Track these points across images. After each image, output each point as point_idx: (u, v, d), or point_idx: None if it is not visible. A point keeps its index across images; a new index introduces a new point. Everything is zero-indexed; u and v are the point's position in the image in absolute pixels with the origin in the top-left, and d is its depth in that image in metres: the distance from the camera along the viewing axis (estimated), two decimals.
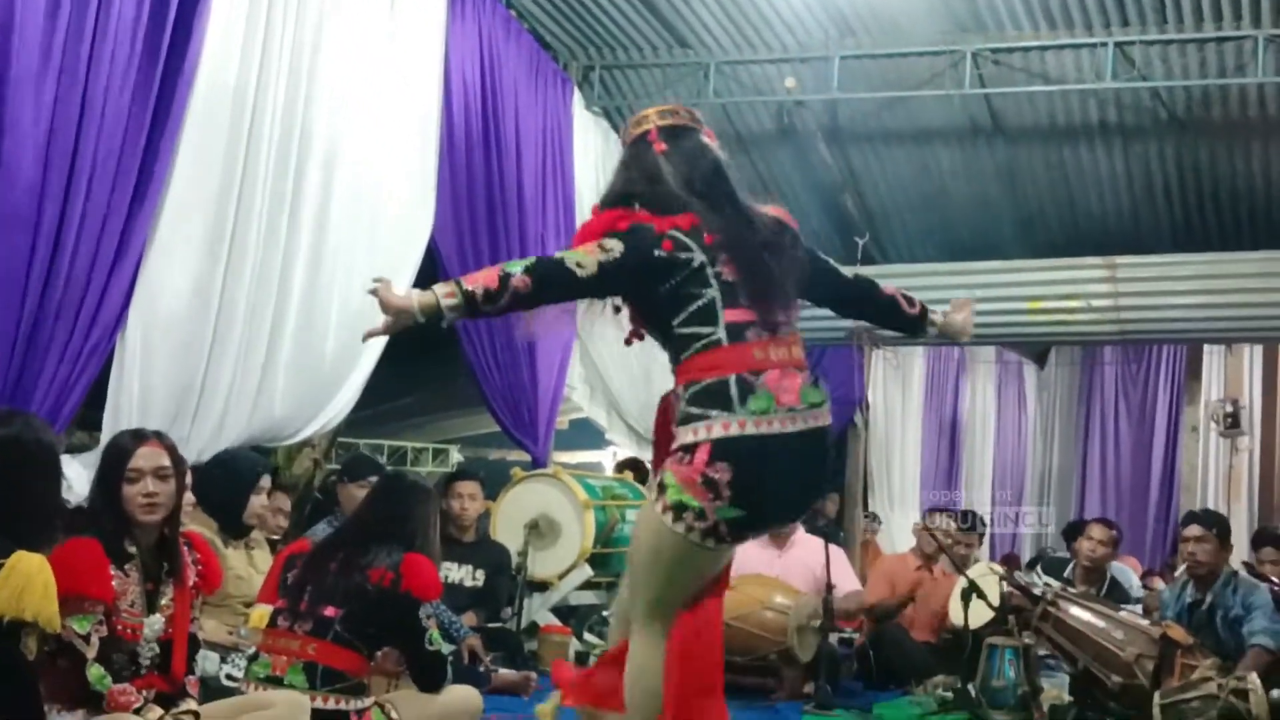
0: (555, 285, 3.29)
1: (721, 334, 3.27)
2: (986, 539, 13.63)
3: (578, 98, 9.14)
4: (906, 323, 3.84)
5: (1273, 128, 8.85)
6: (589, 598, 8.28)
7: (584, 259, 3.26)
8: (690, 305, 3.30)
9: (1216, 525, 6.54)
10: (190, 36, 5.17)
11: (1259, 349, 13.22)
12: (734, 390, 3.22)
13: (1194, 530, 6.49)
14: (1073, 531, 8.47)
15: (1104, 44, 8.33)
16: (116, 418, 4.99)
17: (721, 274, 3.31)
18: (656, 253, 3.29)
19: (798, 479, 3.28)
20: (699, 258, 3.30)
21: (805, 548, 7.01)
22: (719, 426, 3.19)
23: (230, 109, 5.51)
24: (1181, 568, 6.80)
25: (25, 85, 4.50)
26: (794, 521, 3.71)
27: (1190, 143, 9.15)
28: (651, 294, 3.35)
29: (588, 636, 7.95)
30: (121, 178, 4.89)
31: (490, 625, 6.87)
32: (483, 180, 7.65)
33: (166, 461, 3.70)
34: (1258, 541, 8.14)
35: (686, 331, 3.31)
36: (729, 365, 3.25)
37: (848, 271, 3.74)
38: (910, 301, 3.81)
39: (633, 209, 3.43)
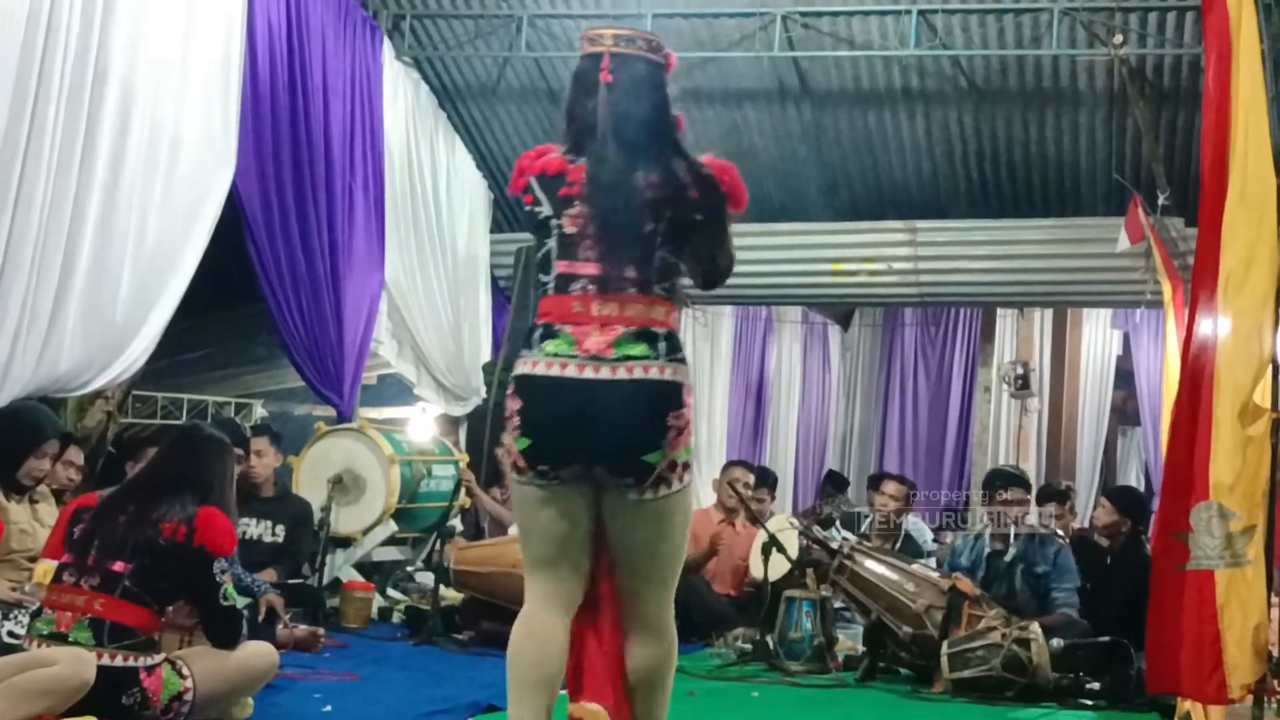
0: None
1: (552, 284, 3.37)
2: (790, 494, 13.99)
3: (388, 46, 8.96)
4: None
5: (1065, 98, 9.17)
6: (393, 553, 8.22)
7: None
8: (540, 252, 3.42)
9: (1030, 487, 6.96)
10: None
11: (1049, 313, 13.76)
12: (538, 333, 3.35)
13: (1017, 494, 6.79)
14: (875, 482, 8.71)
15: (908, 12, 8.51)
16: None
17: (563, 225, 3.35)
18: (525, 207, 3.46)
19: (590, 422, 3.24)
20: (545, 211, 3.39)
21: None
22: (521, 365, 3.37)
23: (21, 40, 5.26)
24: (985, 522, 7.08)
25: None
26: (585, 468, 3.30)
27: (988, 111, 9.43)
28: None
29: (391, 592, 7.90)
30: None
31: (292, 581, 6.76)
32: (288, 126, 7.46)
33: None
34: (1042, 497, 8.51)
35: (539, 278, 3.45)
36: (550, 313, 3.35)
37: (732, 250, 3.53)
38: None
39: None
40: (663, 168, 3.34)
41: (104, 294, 5.96)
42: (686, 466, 3.34)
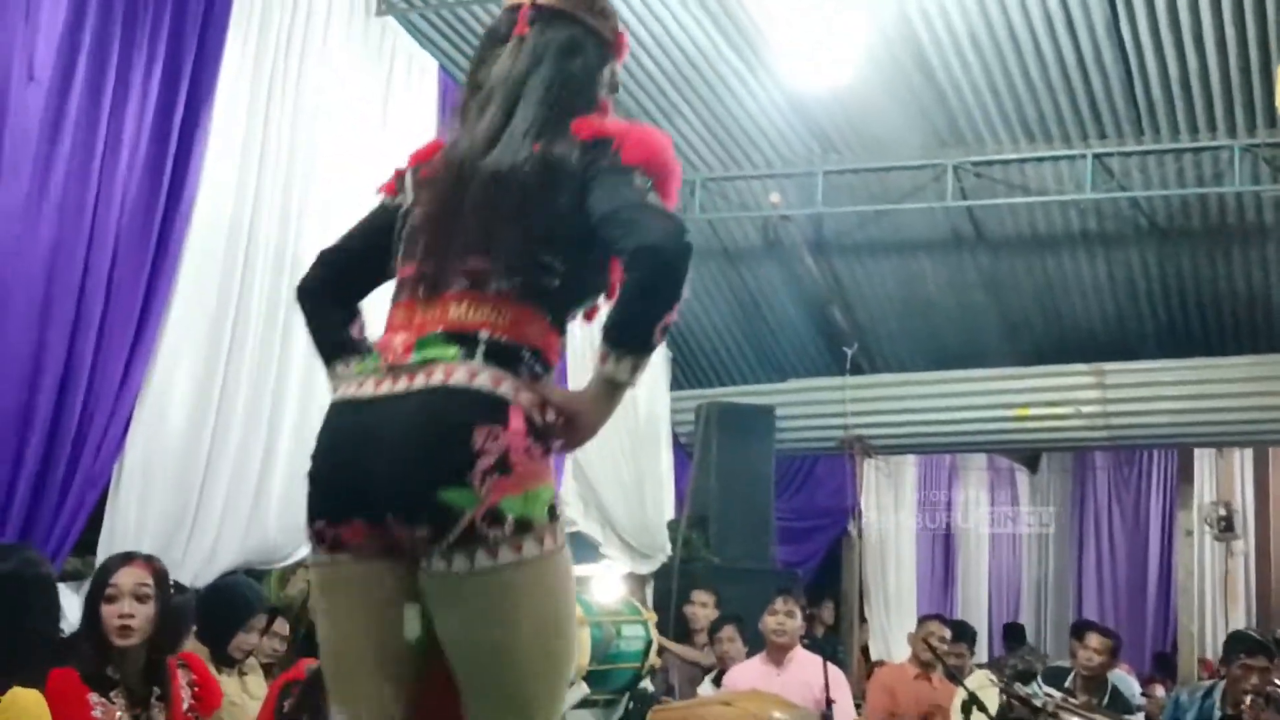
0: (309, 278, 2.73)
1: (392, 298, 2.51)
2: (985, 645, 13.58)
3: None
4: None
5: (1251, 234, 8.98)
6: (586, 716, 8.17)
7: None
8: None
9: (1276, 654, 6.48)
10: (188, 171, 5.27)
11: (1249, 452, 13.26)
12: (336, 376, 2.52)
13: (1262, 661, 6.31)
14: (1078, 632, 8.38)
15: (1083, 156, 8.49)
16: (111, 543, 4.98)
17: (411, 216, 2.53)
18: (383, 201, 2.67)
19: (368, 452, 2.25)
20: (405, 201, 2.58)
21: (803, 665, 6.96)
22: None
23: (226, 241, 5.62)
24: (1213, 682, 6.70)
25: (24, 221, 4.57)
26: (369, 522, 2.25)
27: (1171, 250, 9.28)
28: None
29: None
30: (126, 307, 4.97)
31: None
32: None
33: (149, 581, 3.61)
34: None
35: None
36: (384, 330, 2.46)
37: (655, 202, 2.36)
38: (620, 317, 2.35)
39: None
40: (549, 145, 2.41)
41: (304, 469, 6.17)
42: (528, 528, 2.21)
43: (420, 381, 2.25)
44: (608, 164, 2.35)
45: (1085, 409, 9.94)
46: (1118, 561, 15.04)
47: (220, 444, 5.57)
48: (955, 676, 7.26)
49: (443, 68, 7.45)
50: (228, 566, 5.71)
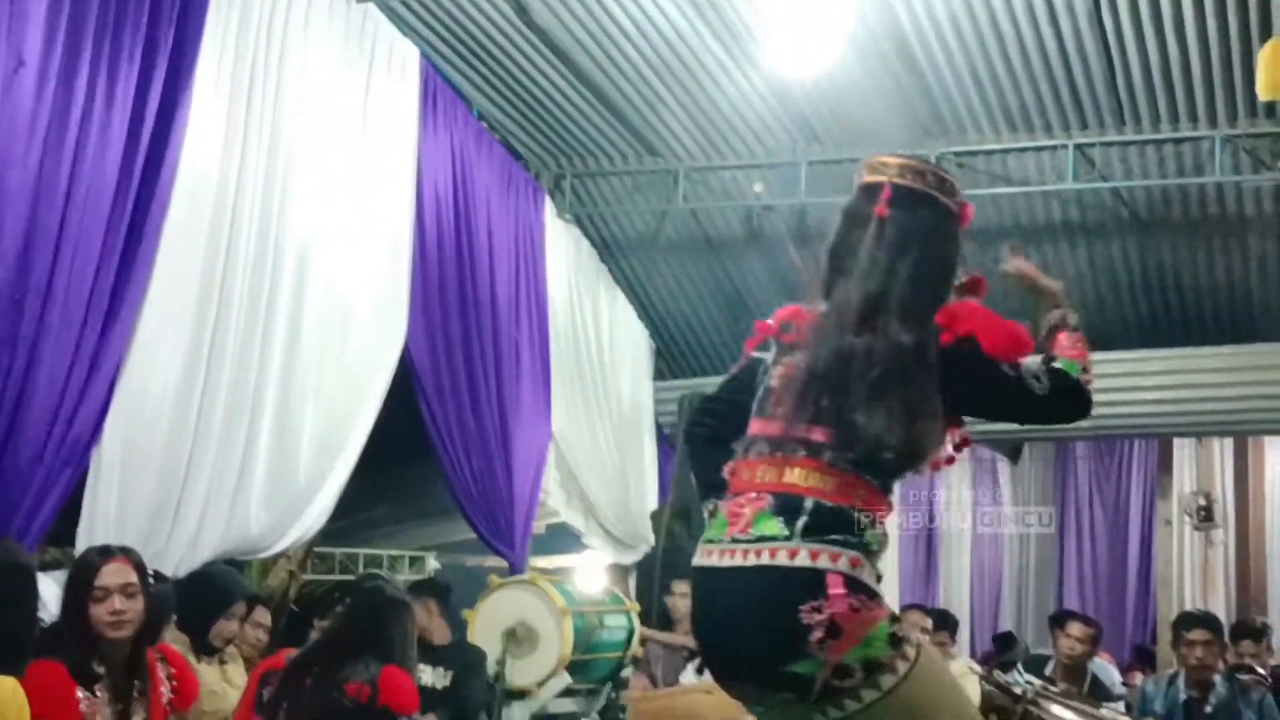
0: (700, 424, 3.12)
1: (740, 448, 2.80)
2: (967, 636, 13.61)
3: (549, 206, 9.24)
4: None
5: (1232, 224, 9.01)
6: (568, 705, 8.19)
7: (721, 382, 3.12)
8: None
9: (1220, 628, 6.61)
10: (165, 157, 5.23)
11: (1229, 442, 13.32)
12: (707, 516, 2.83)
13: (1201, 634, 6.48)
14: (1059, 622, 8.42)
15: (1064, 146, 8.51)
16: (91, 533, 4.95)
17: (770, 376, 2.81)
18: (751, 355, 2.94)
19: (712, 625, 2.67)
20: (767, 358, 2.86)
21: None
22: None
23: (208, 222, 5.57)
24: (1175, 669, 6.78)
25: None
26: (742, 686, 2.66)
27: (1152, 241, 9.30)
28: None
29: None
30: (98, 291, 4.91)
31: None
32: (456, 290, 7.71)
33: (134, 578, 3.67)
34: (1236, 634, 8.15)
35: None
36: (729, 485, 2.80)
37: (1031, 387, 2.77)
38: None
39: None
40: (914, 332, 2.68)
41: (287, 458, 6.17)
42: (878, 666, 2.49)
43: (752, 560, 2.57)
44: (979, 372, 2.69)
45: None
46: (1098, 552, 15.10)
47: (203, 432, 5.54)
48: None
49: (424, 55, 7.43)
50: (210, 556, 5.68)
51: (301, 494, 6.34)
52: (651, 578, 9.73)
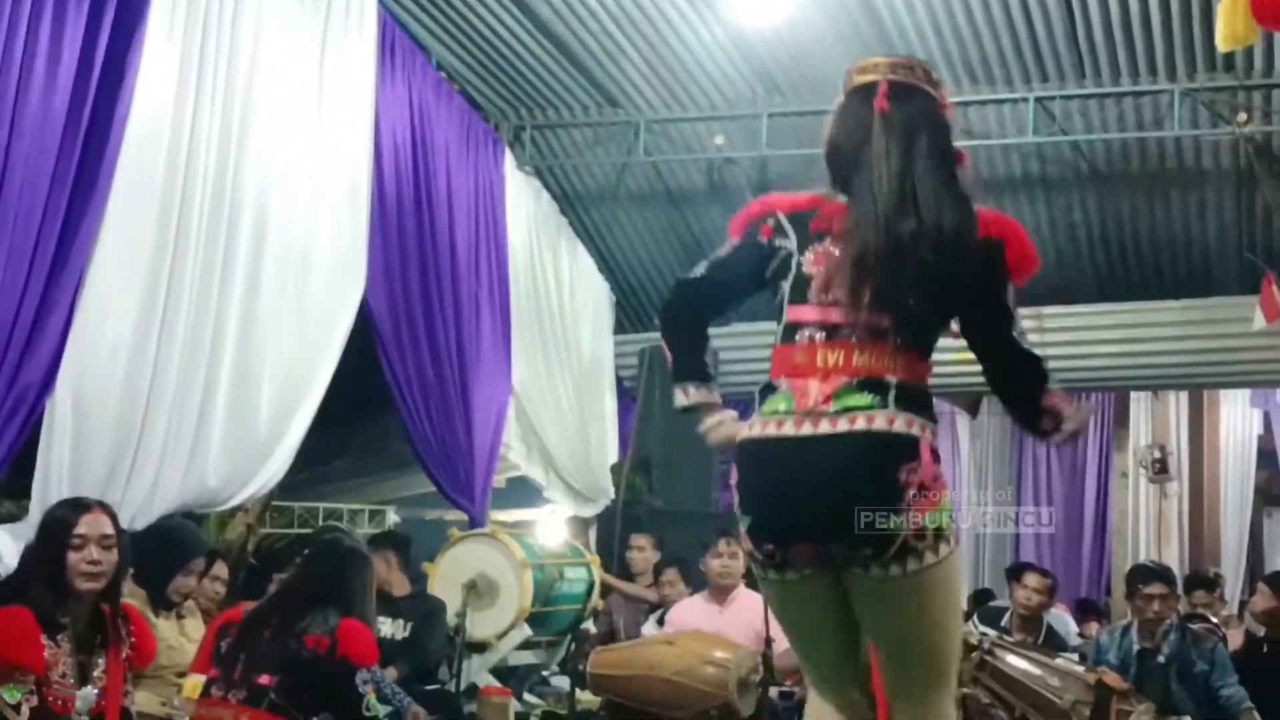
0: (678, 304, 3.18)
1: (780, 333, 2.99)
2: None
3: (509, 158, 9.18)
4: (1028, 426, 3.16)
5: (1191, 179, 9.05)
6: (528, 658, 8.22)
7: (700, 263, 3.16)
8: (775, 299, 3.03)
9: (1175, 580, 6.71)
10: (119, 94, 5.16)
11: (1184, 396, 13.44)
12: (759, 392, 2.99)
13: (1158, 589, 6.58)
14: (1015, 574, 8.51)
15: (1025, 99, 8.52)
16: (46, 485, 4.92)
17: (804, 264, 2.95)
18: (758, 240, 3.04)
19: (807, 486, 2.81)
20: (789, 246, 2.98)
21: (745, 603, 7.02)
22: (741, 431, 2.99)
23: (162, 172, 5.49)
24: (1129, 619, 6.88)
25: None
26: (815, 546, 2.85)
27: (1111, 194, 9.34)
28: (762, 287, 3.08)
29: (527, 697, 7.90)
30: (44, 237, 4.85)
31: (429, 687, 6.79)
32: (415, 241, 7.65)
33: (111, 530, 3.71)
34: (1190, 585, 8.27)
35: (775, 327, 3.04)
36: (775, 367, 2.98)
37: (1022, 340, 3.00)
38: (1052, 417, 3.09)
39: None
40: (939, 215, 2.86)
41: (245, 410, 6.13)
42: (941, 535, 2.81)
43: (844, 426, 2.79)
44: (992, 283, 2.91)
45: None
46: (1054, 504, 15.24)
47: (160, 383, 5.48)
48: None
49: (382, 4, 7.33)
50: (167, 509, 5.65)
51: (260, 446, 6.30)
52: (612, 531, 9.75)
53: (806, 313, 2.92)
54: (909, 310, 2.86)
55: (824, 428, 2.81)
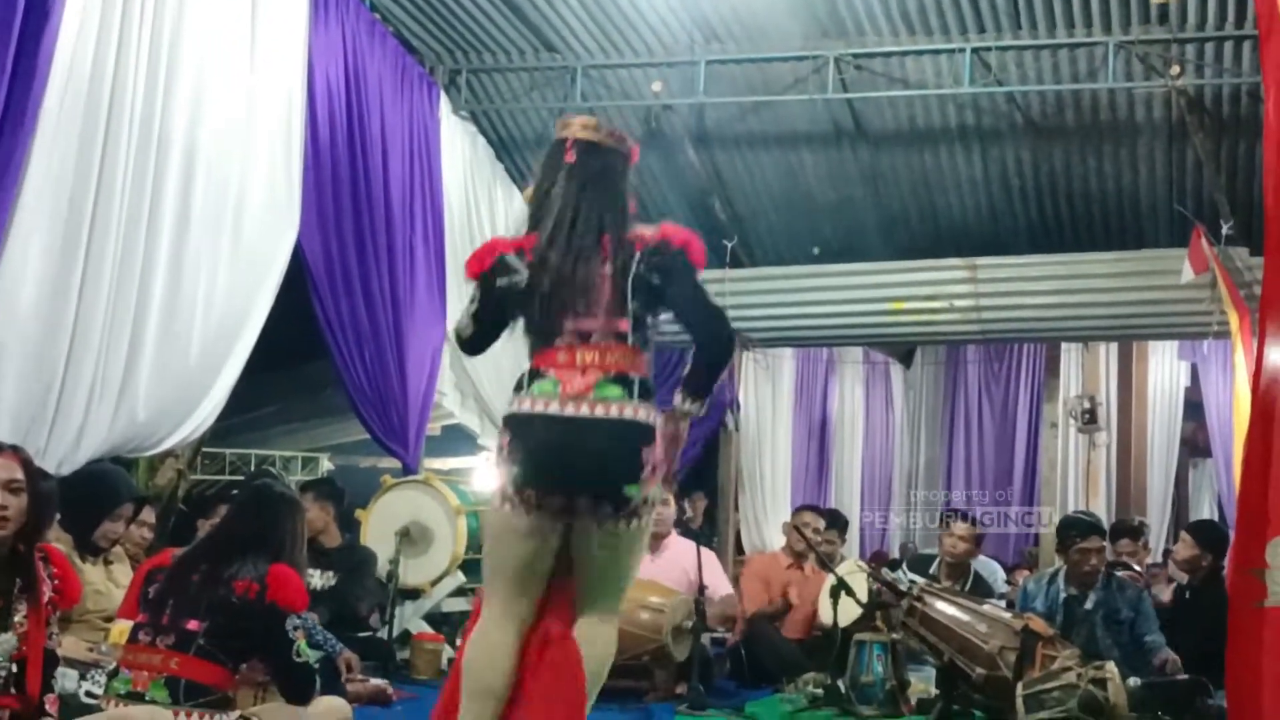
0: (468, 353, 4.27)
1: (540, 340, 3.75)
2: (856, 536, 13.89)
3: (444, 101, 9.08)
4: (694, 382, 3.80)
5: (1124, 132, 9.13)
6: (462, 604, 8.22)
7: (461, 317, 3.98)
8: (523, 317, 3.81)
9: (1106, 532, 6.84)
10: (44, 28, 5.03)
11: (1114, 347, 13.61)
12: (527, 376, 3.71)
13: (1095, 542, 6.69)
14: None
15: (961, 50, 8.52)
16: None
17: (541, 287, 3.70)
18: (498, 280, 3.78)
19: (567, 456, 3.60)
20: (520, 279, 3.74)
21: (678, 550, 7.07)
22: (513, 405, 3.71)
23: (85, 106, 5.37)
24: (1057, 567, 6.99)
25: None
26: (569, 499, 3.62)
27: (1045, 147, 9.40)
28: (511, 311, 3.85)
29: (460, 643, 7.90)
30: None
31: (362, 634, 6.78)
32: (349, 184, 7.56)
33: (20, 475, 3.60)
34: (1115, 534, 8.41)
35: (528, 338, 3.82)
36: (540, 362, 3.72)
37: (712, 302, 3.79)
38: (695, 379, 3.75)
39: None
40: (613, 238, 3.72)
41: (175, 354, 6.05)
42: (650, 504, 3.65)
43: (602, 412, 3.60)
44: (672, 266, 3.73)
45: (958, 303, 10.11)
46: (985, 453, 15.44)
47: (85, 325, 5.39)
48: (827, 564, 7.42)
49: None
50: (94, 453, 5.58)
51: (191, 390, 6.23)
52: None
53: (554, 324, 3.68)
54: (628, 316, 3.68)
55: (585, 411, 3.60)
